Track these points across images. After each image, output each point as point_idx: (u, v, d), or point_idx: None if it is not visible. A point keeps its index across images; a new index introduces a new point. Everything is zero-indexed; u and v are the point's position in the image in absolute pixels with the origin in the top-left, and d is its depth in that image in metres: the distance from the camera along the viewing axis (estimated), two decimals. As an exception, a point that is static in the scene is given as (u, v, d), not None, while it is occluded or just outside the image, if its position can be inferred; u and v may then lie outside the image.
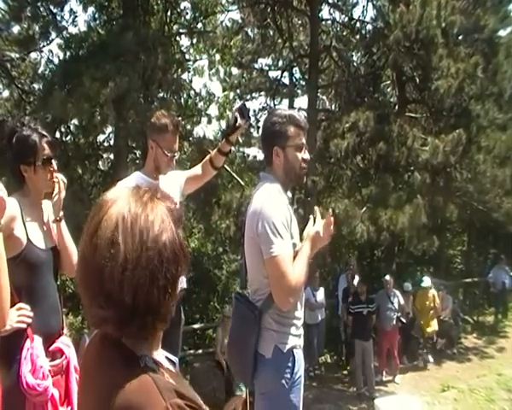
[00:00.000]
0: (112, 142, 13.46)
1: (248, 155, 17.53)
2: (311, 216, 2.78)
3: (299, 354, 2.65)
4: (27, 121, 2.65)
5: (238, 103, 3.42)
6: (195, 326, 13.32)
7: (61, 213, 2.77)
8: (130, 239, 1.06)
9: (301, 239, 2.72)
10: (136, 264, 1.05)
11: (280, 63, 16.93)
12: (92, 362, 1.21)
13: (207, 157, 3.51)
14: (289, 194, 2.83)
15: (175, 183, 3.34)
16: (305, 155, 2.79)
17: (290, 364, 2.59)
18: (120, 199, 1.12)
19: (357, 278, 11.28)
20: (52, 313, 2.66)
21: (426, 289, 11.40)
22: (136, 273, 1.05)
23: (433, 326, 11.37)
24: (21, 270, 2.51)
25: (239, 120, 3.26)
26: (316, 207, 2.87)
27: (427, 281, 11.54)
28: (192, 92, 15.61)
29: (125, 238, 1.06)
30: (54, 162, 2.67)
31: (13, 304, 2.48)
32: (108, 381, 1.09)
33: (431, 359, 11.40)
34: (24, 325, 2.45)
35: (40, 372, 2.47)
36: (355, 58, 15.17)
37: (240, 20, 15.66)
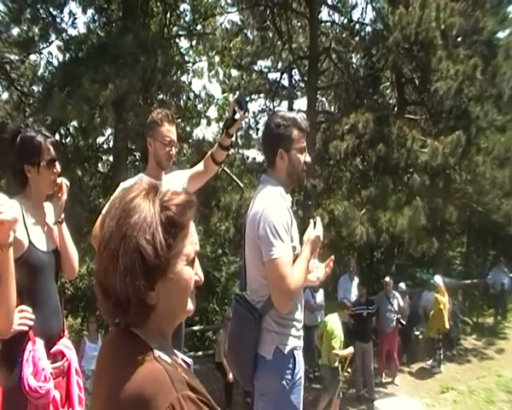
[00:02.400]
0: (111, 144, 13.46)
1: (248, 157, 17.52)
2: (311, 220, 2.79)
3: (299, 356, 2.67)
4: (31, 123, 2.66)
5: (235, 95, 3.40)
6: (195, 328, 13.31)
7: (63, 216, 2.78)
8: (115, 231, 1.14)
9: (301, 242, 2.73)
10: (116, 252, 1.11)
11: (279, 65, 16.97)
12: (107, 352, 1.25)
13: (209, 153, 3.52)
14: (289, 196, 2.84)
15: (178, 182, 3.35)
16: (307, 157, 2.81)
17: (291, 365, 2.60)
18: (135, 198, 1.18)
19: (356, 280, 11.29)
20: (53, 315, 2.67)
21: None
22: (117, 263, 1.10)
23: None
24: (23, 272, 2.51)
25: (237, 112, 3.26)
26: (317, 218, 2.90)
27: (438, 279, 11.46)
28: (191, 94, 15.65)
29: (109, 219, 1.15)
30: (57, 164, 2.68)
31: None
32: (121, 369, 1.12)
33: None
34: (26, 328, 2.45)
35: (42, 375, 2.47)
36: (354, 60, 15.21)
37: (239, 22, 15.73)
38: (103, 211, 3.02)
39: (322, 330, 8.59)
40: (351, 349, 8.39)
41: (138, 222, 1.12)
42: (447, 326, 11.16)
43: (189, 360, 1.29)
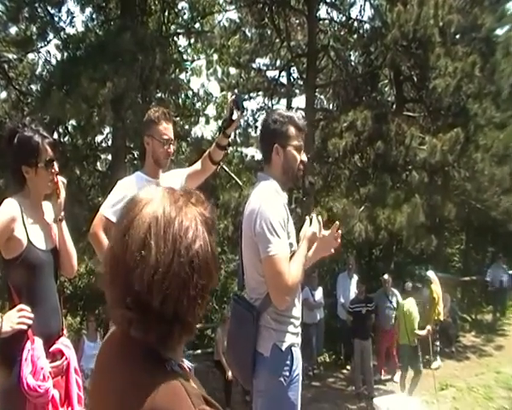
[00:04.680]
0: (110, 142, 13.43)
1: (246, 155, 17.54)
2: (307, 217, 2.80)
3: (297, 353, 2.68)
4: (28, 122, 2.65)
5: (233, 96, 3.40)
6: (194, 327, 13.28)
7: (62, 213, 2.78)
8: (163, 243, 1.04)
9: (298, 240, 2.74)
10: (167, 269, 1.03)
11: (278, 63, 16.92)
12: (114, 360, 1.18)
13: (206, 153, 3.53)
14: (285, 194, 2.84)
15: (175, 181, 3.35)
16: (303, 157, 2.82)
17: (288, 362, 2.61)
18: (155, 200, 1.09)
19: (355, 278, 11.30)
20: (52, 314, 2.67)
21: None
22: (166, 278, 1.03)
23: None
24: (22, 271, 2.52)
25: (235, 113, 3.27)
26: (313, 214, 2.89)
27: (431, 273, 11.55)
28: (190, 92, 15.62)
29: (157, 241, 1.04)
30: (55, 164, 2.68)
31: (13, 305, 2.49)
32: (134, 382, 1.07)
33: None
34: (25, 327, 2.46)
35: (41, 374, 2.48)
36: (353, 57, 15.19)
37: (237, 20, 15.71)
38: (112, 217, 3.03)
39: (399, 313, 9.54)
40: (428, 328, 9.18)
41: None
42: (441, 318, 11.26)
43: (190, 365, 1.26)
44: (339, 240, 2.89)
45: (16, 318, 2.44)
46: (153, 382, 1.05)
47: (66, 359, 2.69)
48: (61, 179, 2.77)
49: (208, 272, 1.10)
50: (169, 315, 1.05)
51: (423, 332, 9.06)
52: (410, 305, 9.22)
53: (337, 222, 2.91)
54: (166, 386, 1.05)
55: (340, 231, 2.89)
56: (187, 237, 1.06)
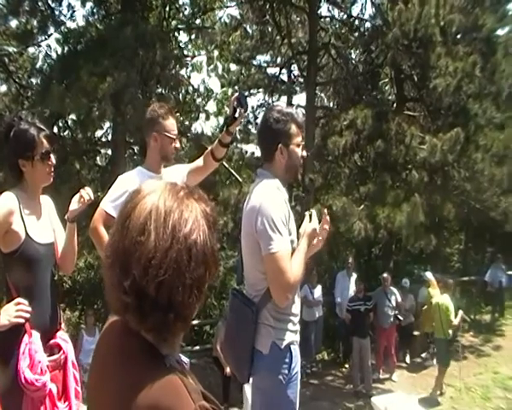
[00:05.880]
0: (110, 137, 13.43)
1: (246, 152, 17.53)
2: (307, 213, 2.79)
3: (296, 350, 2.66)
4: (25, 115, 2.64)
5: (236, 93, 3.40)
6: (193, 322, 13.29)
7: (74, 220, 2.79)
8: (162, 230, 1.06)
9: (298, 237, 2.73)
10: (164, 254, 1.05)
11: (278, 60, 16.93)
12: (112, 354, 1.19)
13: (208, 149, 3.52)
14: (285, 190, 2.83)
15: (177, 177, 3.34)
16: (303, 152, 2.81)
17: (287, 360, 2.60)
18: (156, 191, 1.12)
19: (354, 276, 11.31)
20: (50, 307, 2.66)
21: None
22: (163, 263, 1.04)
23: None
24: (19, 264, 2.51)
25: (238, 110, 3.26)
26: (312, 211, 2.88)
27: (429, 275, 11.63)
28: (190, 88, 15.61)
29: (156, 227, 1.06)
30: (52, 156, 2.66)
31: (11, 298, 2.48)
32: (133, 378, 1.08)
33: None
34: (22, 320, 2.45)
35: (38, 367, 2.47)
36: (353, 56, 15.20)
37: (238, 17, 15.72)
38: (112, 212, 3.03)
39: (433, 310, 9.80)
40: (460, 315, 9.64)
41: None
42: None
43: (186, 360, 1.27)
44: (326, 226, 2.89)
45: (14, 311, 2.43)
46: (152, 378, 1.05)
47: (64, 353, 2.68)
48: (88, 192, 2.79)
49: (206, 264, 1.10)
50: (164, 303, 1.06)
51: (457, 320, 9.42)
52: (445, 301, 9.49)
53: (325, 210, 2.93)
54: (166, 382, 1.06)
55: (327, 217, 2.90)
56: (186, 227, 1.08)
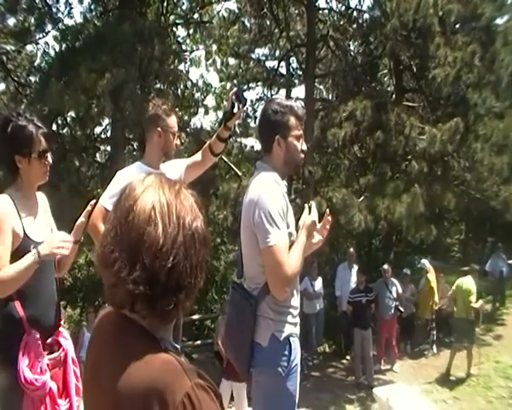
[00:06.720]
0: (109, 134, 13.43)
1: (246, 146, 17.56)
2: (306, 205, 2.80)
3: (295, 343, 2.67)
4: (23, 111, 2.61)
5: (234, 89, 3.40)
6: (194, 317, 13.33)
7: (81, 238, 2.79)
8: (167, 219, 1.13)
9: (297, 229, 2.74)
10: (173, 241, 1.12)
11: (277, 53, 16.91)
12: (108, 344, 1.23)
13: (207, 144, 3.53)
14: (285, 183, 2.84)
15: (175, 171, 3.36)
16: (303, 145, 2.81)
17: (287, 352, 2.61)
18: (151, 186, 1.18)
19: (355, 268, 11.32)
20: (49, 306, 2.65)
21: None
22: (172, 251, 1.12)
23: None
24: (18, 263, 2.51)
25: (236, 105, 3.26)
26: (311, 203, 2.88)
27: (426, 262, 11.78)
28: (189, 83, 15.60)
29: (162, 217, 1.13)
30: (49, 155, 2.65)
31: (11, 298, 2.47)
32: (129, 360, 1.11)
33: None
34: (66, 252, 2.48)
35: (38, 367, 2.47)
36: (352, 47, 15.16)
37: (236, 10, 15.69)
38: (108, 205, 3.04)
39: (456, 290, 9.98)
40: (481, 301, 10.01)
41: None
42: (436, 300, 11.49)
43: (177, 346, 1.30)
44: (327, 226, 2.91)
45: (57, 242, 2.44)
46: (148, 359, 1.10)
47: (64, 350, 2.68)
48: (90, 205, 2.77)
49: (206, 245, 1.19)
50: (173, 286, 1.13)
51: (478, 304, 9.73)
52: (468, 282, 9.74)
53: (327, 210, 2.95)
54: (162, 362, 1.11)
55: (329, 218, 2.91)
56: (189, 215, 1.16)
